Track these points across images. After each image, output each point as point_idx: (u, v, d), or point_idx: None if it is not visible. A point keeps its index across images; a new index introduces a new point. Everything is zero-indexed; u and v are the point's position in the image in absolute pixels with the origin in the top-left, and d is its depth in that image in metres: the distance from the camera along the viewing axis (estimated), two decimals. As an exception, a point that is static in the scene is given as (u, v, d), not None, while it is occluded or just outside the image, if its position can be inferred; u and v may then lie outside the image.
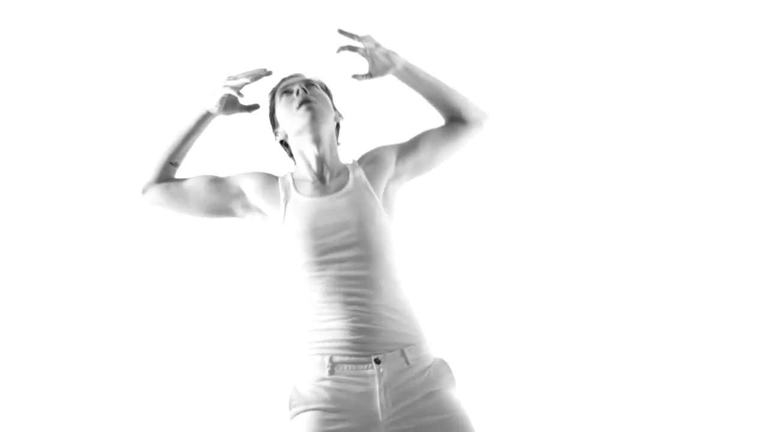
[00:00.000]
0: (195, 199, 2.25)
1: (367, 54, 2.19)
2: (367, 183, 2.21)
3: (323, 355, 2.08)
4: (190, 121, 2.25)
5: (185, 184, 2.26)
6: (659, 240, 3.54)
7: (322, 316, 2.09)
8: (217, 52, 3.47)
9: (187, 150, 2.29)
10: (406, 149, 2.29)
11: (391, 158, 2.27)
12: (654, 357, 3.50)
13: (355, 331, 2.07)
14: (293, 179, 2.25)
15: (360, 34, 2.19)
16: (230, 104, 2.24)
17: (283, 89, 2.27)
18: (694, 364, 3.48)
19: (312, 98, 2.22)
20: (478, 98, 2.32)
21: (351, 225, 2.12)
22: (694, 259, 3.52)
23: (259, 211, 2.23)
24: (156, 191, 2.26)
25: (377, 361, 2.06)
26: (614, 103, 3.57)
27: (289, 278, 2.17)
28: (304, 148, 2.22)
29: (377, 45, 2.20)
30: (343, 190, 2.20)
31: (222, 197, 2.25)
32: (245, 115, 2.28)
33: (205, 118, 2.25)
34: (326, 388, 2.06)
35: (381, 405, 2.05)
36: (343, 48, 2.17)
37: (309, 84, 2.26)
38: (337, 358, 2.07)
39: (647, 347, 3.50)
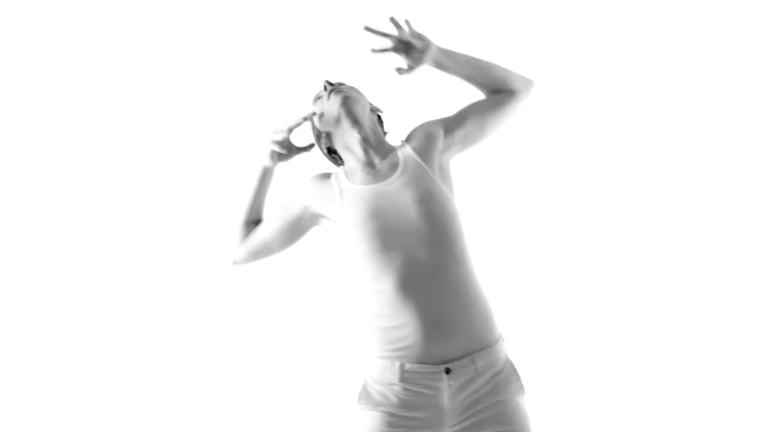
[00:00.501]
0: (276, 242, 2.27)
1: (401, 46, 2.12)
2: (419, 160, 2.14)
3: (394, 360, 2.03)
4: (254, 182, 2.30)
5: (261, 234, 2.27)
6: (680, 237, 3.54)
7: (395, 311, 2.01)
8: (231, 57, 3.59)
9: (261, 204, 2.32)
10: (454, 122, 2.22)
11: (439, 132, 2.20)
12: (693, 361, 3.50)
13: (429, 333, 1.99)
14: (345, 173, 2.20)
15: (387, 30, 2.12)
16: (285, 153, 2.24)
17: (314, 100, 2.27)
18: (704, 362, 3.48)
19: (339, 87, 2.21)
20: (518, 66, 2.26)
21: (411, 205, 2.05)
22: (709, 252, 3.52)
23: (322, 215, 2.19)
24: (243, 256, 2.31)
25: (447, 371, 2.01)
26: (626, 98, 3.58)
27: (359, 274, 2.09)
28: (347, 137, 2.18)
29: (408, 30, 2.12)
30: (397, 172, 2.12)
31: (294, 223, 2.24)
32: (305, 154, 2.29)
33: (265, 173, 2.28)
34: (395, 393, 2.03)
35: (447, 413, 2.03)
36: (376, 51, 2.12)
37: (335, 83, 2.25)
38: (408, 366, 2.02)
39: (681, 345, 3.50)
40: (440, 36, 2.22)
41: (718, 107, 3.52)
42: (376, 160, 2.16)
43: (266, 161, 2.25)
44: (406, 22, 2.12)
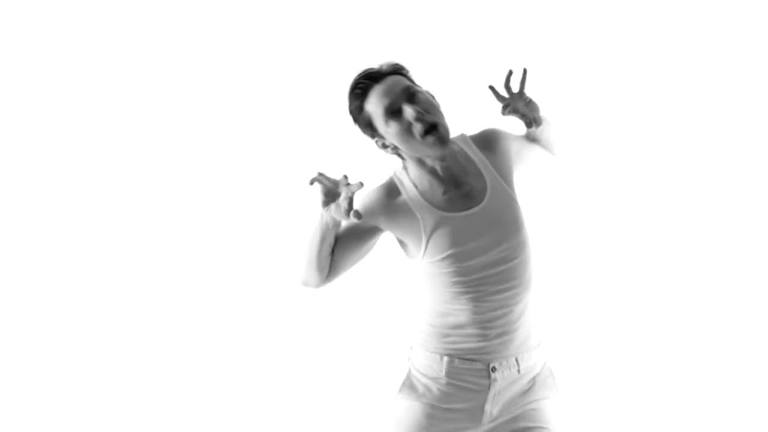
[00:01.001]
0: (355, 262, 2.10)
1: (518, 111, 2.03)
2: (504, 184, 2.08)
3: (443, 355, 2.06)
4: (328, 233, 2.01)
5: (340, 261, 2.07)
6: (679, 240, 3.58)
7: (466, 326, 2.04)
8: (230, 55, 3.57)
9: (333, 243, 2.06)
10: (527, 149, 2.19)
11: (515, 150, 2.15)
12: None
13: (492, 343, 2.04)
14: (419, 191, 2.04)
15: (507, 94, 2.03)
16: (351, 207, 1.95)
17: (388, 109, 1.98)
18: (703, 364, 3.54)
19: (431, 119, 1.97)
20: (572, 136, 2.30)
21: (501, 241, 2.00)
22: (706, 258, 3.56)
23: (400, 241, 2.08)
24: (326, 282, 2.11)
25: (493, 369, 2.05)
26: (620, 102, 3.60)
27: (431, 288, 2.07)
28: (427, 161, 2.04)
29: (525, 101, 2.04)
30: (485, 201, 2.03)
31: (370, 246, 2.09)
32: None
33: (335, 225, 2.01)
34: (439, 387, 2.07)
35: (487, 412, 2.08)
36: (507, 112, 2.02)
37: (410, 93, 1.99)
38: (456, 362, 2.05)
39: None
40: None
41: (718, 108, 3.56)
42: (457, 179, 2.05)
43: (342, 217, 1.94)
44: (521, 86, 2.05)
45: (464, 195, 2.05)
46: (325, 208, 1.93)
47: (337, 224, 2.00)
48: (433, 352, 2.07)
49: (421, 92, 2.02)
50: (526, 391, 2.10)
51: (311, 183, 1.90)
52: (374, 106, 2.00)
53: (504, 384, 2.06)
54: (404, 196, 2.05)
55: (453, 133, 2.06)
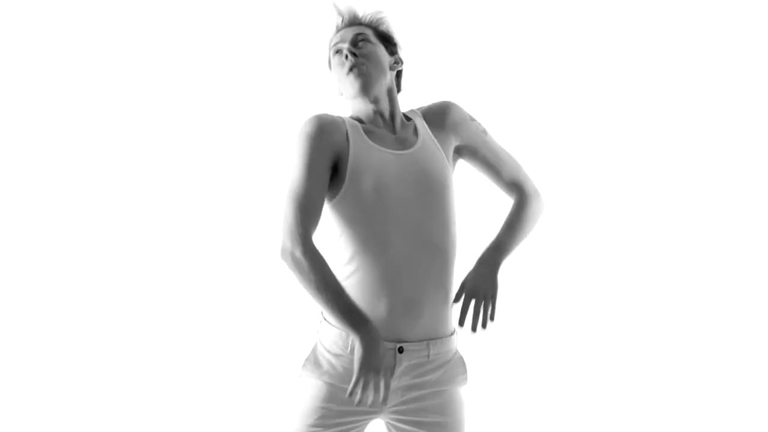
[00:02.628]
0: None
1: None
2: (438, 147, 2.09)
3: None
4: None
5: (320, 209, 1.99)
6: (659, 240, 3.55)
7: (374, 287, 1.95)
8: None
9: None
10: (482, 146, 2.17)
11: (464, 138, 2.16)
12: (654, 357, 3.52)
13: (399, 312, 1.95)
14: (361, 122, 2.09)
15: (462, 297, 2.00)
16: None
17: (335, 48, 2.13)
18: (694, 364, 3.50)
19: (360, 62, 2.07)
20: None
21: (421, 191, 2.00)
22: (694, 258, 3.53)
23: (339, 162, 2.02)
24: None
25: (400, 350, 1.97)
26: (614, 104, 3.59)
27: (344, 240, 2.00)
28: (362, 106, 2.11)
29: (480, 295, 1.99)
30: (414, 149, 2.06)
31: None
32: None
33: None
34: (342, 364, 1.98)
35: (391, 392, 1.99)
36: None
37: (358, 40, 2.10)
38: None
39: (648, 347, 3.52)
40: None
41: (718, 108, 3.54)
42: (392, 125, 2.11)
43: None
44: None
45: (397, 140, 2.09)
46: None
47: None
48: (339, 327, 1.96)
49: (368, 38, 2.11)
50: (437, 380, 2.02)
51: None
52: (330, 47, 2.16)
53: (410, 364, 1.98)
54: (348, 128, 2.06)
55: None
